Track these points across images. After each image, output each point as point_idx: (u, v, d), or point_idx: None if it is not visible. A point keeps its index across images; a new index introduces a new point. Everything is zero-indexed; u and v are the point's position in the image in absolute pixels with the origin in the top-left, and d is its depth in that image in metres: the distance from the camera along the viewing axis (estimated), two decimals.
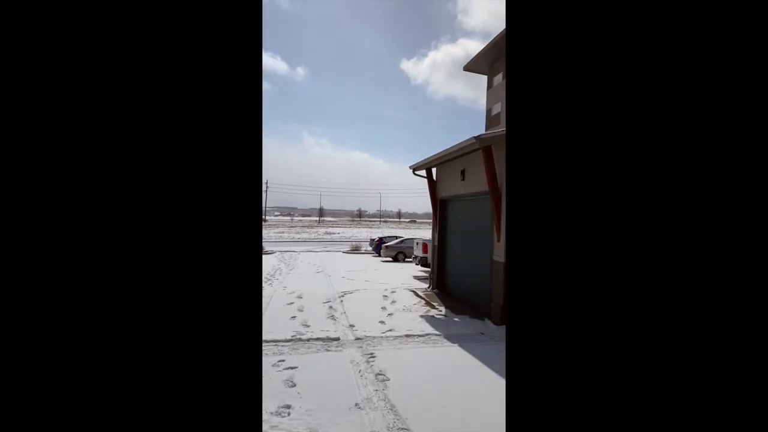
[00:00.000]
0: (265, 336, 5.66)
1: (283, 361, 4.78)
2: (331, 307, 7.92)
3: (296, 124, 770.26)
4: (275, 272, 13.31)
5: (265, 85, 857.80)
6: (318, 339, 5.70)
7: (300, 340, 5.64)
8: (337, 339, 5.75)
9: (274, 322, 6.56)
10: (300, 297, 8.81)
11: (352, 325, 6.52)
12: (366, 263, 16.64)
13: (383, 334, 6.03)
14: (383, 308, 7.90)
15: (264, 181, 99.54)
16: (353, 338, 5.82)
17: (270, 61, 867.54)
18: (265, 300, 8.42)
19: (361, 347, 5.42)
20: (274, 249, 21.96)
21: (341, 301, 8.53)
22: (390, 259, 17.88)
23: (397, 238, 19.91)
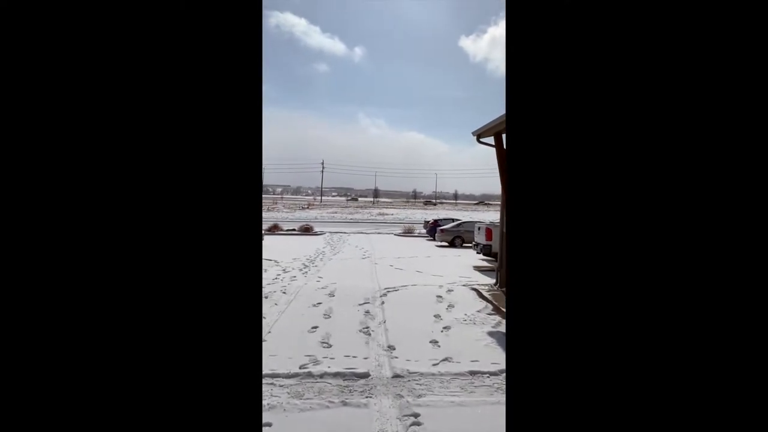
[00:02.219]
0: (264, 363, 3.92)
1: (270, 426, 2.97)
2: (367, 312, 6.06)
3: (353, 105, 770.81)
4: (317, 257, 11.79)
5: (323, 67, 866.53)
6: (337, 374, 3.84)
7: (310, 375, 3.81)
8: (366, 375, 3.85)
9: (285, 338, 4.82)
10: (332, 295, 7.06)
11: (391, 348, 4.60)
12: (419, 248, 14.69)
13: (435, 369, 4.04)
14: (437, 316, 5.89)
15: (320, 161, 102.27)
16: (390, 375, 3.88)
17: (328, 42, 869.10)
18: (288, 298, 6.77)
19: (400, 396, 3.48)
20: (324, 230, 20.78)
21: (382, 303, 6.64)
22: (446, 244, 15.76)
23: (453, 220, 17.77)
